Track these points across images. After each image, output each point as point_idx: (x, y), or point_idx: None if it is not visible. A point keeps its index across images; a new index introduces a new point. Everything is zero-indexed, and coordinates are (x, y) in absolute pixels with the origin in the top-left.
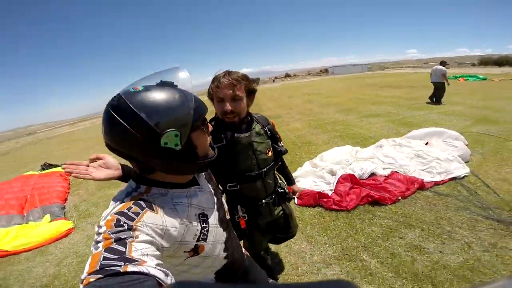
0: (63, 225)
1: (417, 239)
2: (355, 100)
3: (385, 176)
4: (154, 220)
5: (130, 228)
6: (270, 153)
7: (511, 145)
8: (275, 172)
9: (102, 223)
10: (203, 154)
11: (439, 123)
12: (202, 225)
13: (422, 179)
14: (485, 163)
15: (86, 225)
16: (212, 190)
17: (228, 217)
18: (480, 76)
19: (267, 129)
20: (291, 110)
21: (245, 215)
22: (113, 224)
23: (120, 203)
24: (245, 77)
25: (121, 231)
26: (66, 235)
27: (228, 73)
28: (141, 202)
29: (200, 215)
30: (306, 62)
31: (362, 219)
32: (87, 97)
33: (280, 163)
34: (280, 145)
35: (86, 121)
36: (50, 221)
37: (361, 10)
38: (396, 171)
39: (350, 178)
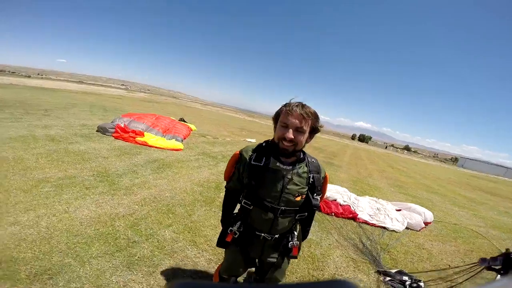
0: (178, 145)
1: (314, 235)
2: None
3: (339, 204)
4: None
5: None
6: (298, 198)
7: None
8: (298, 229)
9: None
10: None
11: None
12: None
13: (357, 214)
14: (417, 237)
15: (187, 150)
16: None
17: None
18: None
19: (311, 176)
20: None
21: (237, 233)
22: None
23: None
24: (315, 114)
25: None
26: (176, 150)
27: (302, 105)
28: None
29: None
30: (437, 142)
31: None
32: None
33: (307, 215)
34: (315, 197)
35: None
36: (174, 141)
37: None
38: (349, 205)
39: None
